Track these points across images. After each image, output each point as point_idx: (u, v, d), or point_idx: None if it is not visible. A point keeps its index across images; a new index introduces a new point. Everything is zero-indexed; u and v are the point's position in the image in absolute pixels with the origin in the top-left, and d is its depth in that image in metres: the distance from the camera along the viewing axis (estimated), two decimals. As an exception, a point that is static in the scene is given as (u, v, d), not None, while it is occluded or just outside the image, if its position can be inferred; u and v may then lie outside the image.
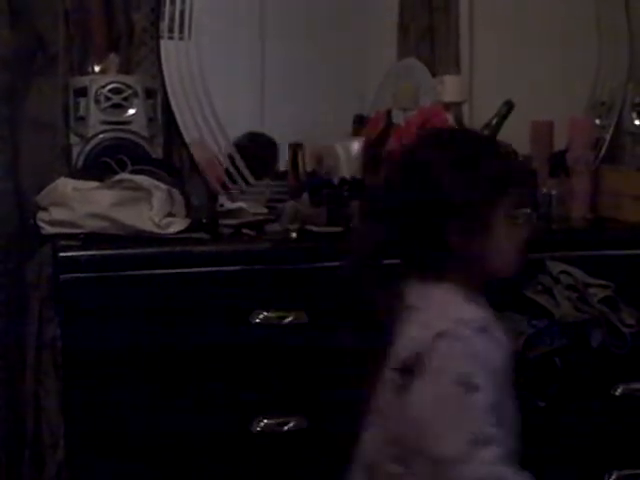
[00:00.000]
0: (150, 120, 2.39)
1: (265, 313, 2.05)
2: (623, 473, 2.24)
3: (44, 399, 2.49)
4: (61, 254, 2.00)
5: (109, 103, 2.34)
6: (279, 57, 2.62)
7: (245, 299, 2.04)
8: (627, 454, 2.26)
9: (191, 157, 2.52)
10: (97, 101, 2.34)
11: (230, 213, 2.26)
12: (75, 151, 2.36)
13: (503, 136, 2.36)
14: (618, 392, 2.23)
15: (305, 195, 2.25)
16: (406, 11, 2.69)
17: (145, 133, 2.36)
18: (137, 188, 2.11)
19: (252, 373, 2.06)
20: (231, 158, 2.53)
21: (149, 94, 2.40)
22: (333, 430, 2.08)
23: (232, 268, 2.05)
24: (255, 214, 2.28)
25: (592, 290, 2.16)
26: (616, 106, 2.72)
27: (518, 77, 2.68)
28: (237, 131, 2.56)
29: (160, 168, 2.23)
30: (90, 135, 2.33)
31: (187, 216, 2.15)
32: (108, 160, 2.24)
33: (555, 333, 2.11)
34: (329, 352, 2.06)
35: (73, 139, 2.38)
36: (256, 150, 2.57)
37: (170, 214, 2.12)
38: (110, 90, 2.34)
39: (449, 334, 1.50)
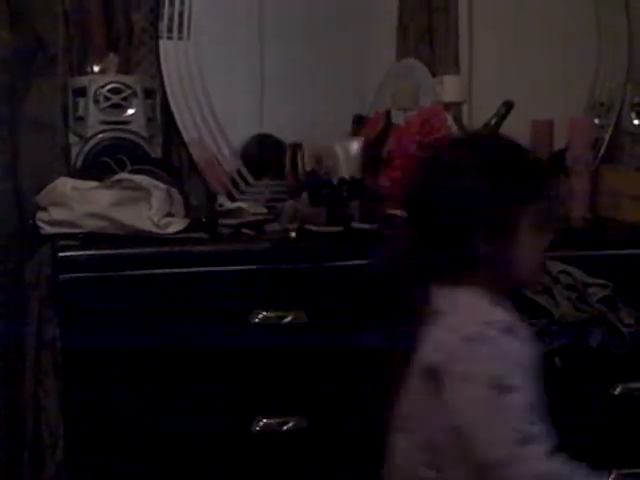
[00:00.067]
0: (149, 120, 2.39)
1: (264, 313, 2.05)
2: (622, 472, 2.24)
3: (43, 399, 2.49)
4: (60, 254, 2.00)
5: (108, 103, 2.34)
6: (278, 57, 2.62)
7: (244, 299, 2.04)
8: (626, 453, 2.26)
9: (190, 157, 2.52)
10: (96, 101, 2.34)
11: (229, 213, 2.26)
12: (74, 151, 2.36)
13: (503, 136, 2.36)
14: (617, 392, 2.23)
15: (304, 195, 2.25)
16: (405, 11, 2.69)
17: (144, 133, 2.36)
18: (136, 188, 2.11)
19: (251, 373, 2.06)
20: (234, 159, 2.53)
21: (148, 94, 2.40)
22: (333, 430, 2.09)
23: (231, 268, 2.05)
24: (254, 214, 2.28)
25: (591, 290, 2.16)
26: (615, 106, 2.72)
27: (518, 77, 2.68)
28: (236, 131, 2.56)
29: (159, 168, 2.23)
30: (89, 135, 2.33)
31: (186, 216, 2.15)
32: (107, 160, 2.24)
33: (554, 333, 2.11)
34: (329, 352, 2.06)
35: (72, 139, 2.38)
36: (265, 152, 2.57)
37: (169, 214, 2.12)
38: (109, 90, 2.34)
39: (475, 338, 1.49)
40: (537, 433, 1.45)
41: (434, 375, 1.51)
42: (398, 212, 2.26)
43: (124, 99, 2.35)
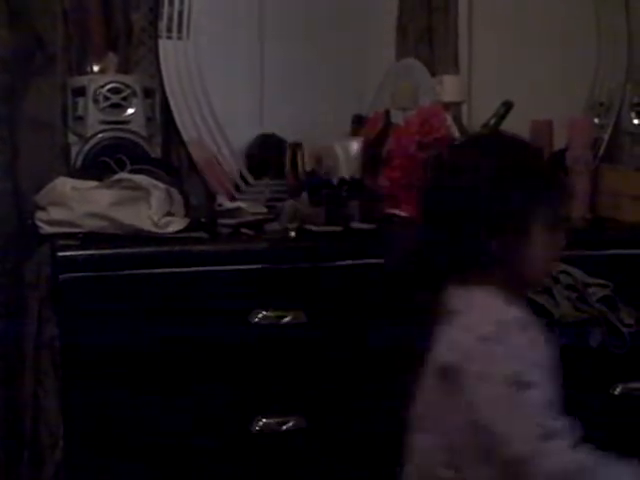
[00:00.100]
0: (148, 119, 2.39)
1: (264, 312, 2.05)
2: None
3: (43, 399, 2.48)
4: (60, 254, 2.00)
5: (108, 103, 2.34)
6: (278, 57, 2.62)
7: (244, 298, 2.04)
8: (626, 453, 2.25)
9: (190, 157, 2.52)
10: (96, 101, 2.34)
11: (229, 212, 2.26)
12: (74, 151, 2.36)
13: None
14: (617, 391, 2.23)
15: (304, 195, 2.25)
16: (405, 11, 2.69)
17: (144, 132, 2.36)
18: (136, 187, 2.11)
19: (251, 372, 2.06)
20: (234, 159, 2.53)
21: (147, 94, 2.40)
22: (332, 430, 2.09)
23: (231, 267, 2.05)
24: (254, 213, 2.28)
25: (591, 290, 2.16)
26: (615, 106, 2.72)
27: (517, 77, 2.69)
28: (236, 131, 2.56)
29: (159, 167, 2.23)
30: (89, 135, 2.33)
31: (186, 215, 2.15)
32: (107, 159, 2.24)
33: (554, 333, 2.11)
34: (328, 352, 2.06)
35: (72, 139, 2.38)
36: (268, 152, 2.57)
37: (169, 213, 2.12)
38: (109, 90, 2.34)
39: (491, 337, 1.49)
40: (560, 428, 1.45)
41: (449, 375, 1.51)
42: (397, 212, 2.27)
43: (123, 99, 2.35)
